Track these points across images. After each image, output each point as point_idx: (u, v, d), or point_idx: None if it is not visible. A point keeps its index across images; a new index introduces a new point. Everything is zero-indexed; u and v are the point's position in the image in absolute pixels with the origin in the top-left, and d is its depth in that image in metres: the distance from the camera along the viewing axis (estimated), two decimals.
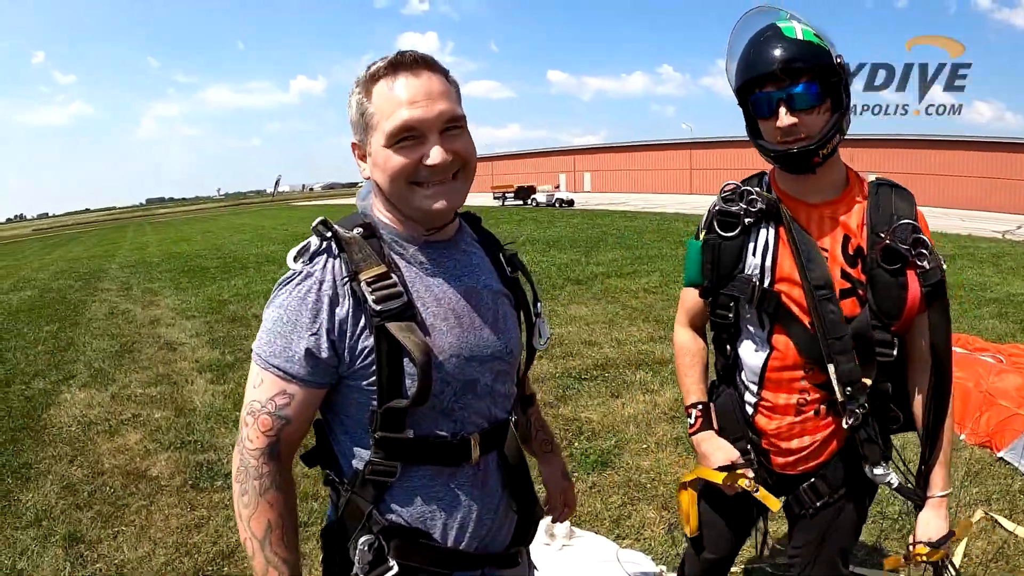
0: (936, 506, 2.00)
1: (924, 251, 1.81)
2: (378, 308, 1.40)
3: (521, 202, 54.31)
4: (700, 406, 2.18)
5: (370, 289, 1.40)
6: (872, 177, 2.01)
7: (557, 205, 48.26)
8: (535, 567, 1.95)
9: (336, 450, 1.59)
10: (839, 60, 1.80)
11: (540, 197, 51.55)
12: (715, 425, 2.17)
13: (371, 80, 1.46)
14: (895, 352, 1.89)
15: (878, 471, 1.99)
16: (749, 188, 2.01)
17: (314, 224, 1.50)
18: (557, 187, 60.08)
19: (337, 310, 1.43)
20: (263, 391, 1.45)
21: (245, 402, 1.48)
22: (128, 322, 11.91)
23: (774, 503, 2.06)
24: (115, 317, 12.56)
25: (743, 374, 2.14)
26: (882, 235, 1.84)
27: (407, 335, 1.40)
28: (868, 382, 1.90)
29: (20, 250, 47.04)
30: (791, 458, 2.10)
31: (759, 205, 1.97)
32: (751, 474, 2.07)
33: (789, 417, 2.05)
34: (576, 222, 29.60)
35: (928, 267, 1.82)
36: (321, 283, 1.44)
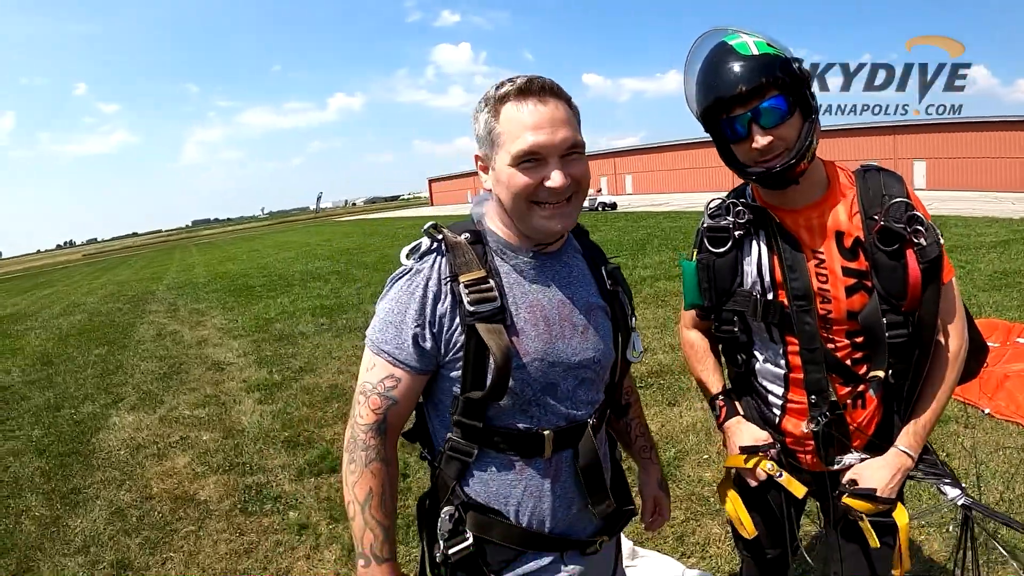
0: (889, 457, 1.96)
1: (920, 228, 1.79)
2: (471, 309, 1.57)
3: None
4: (722, 396, 2.19)
5: (467, 291, 1.58)
6: (857, 166, 1.99)
7: (600, 209, 48.19)
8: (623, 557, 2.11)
9: (429, 430, 1.79)
10: (798, 65, 1.76)
11: None
12: (741, 411, 2.18)
13: (500, 101, 1.59)
14: (908, 331, 1.85)
15: (835, 466, 2.03)
16: (735, 201, 2.01)
17: (425, 227, 1.68)
18: (599, 191, 60.08)
19: (439, 305, 1.61)
20: (375, 374, 1.66)
21: (359, 383, 1.70)
22: (176, 343, 12.10)
23: (799, 489, 2.05)
24: (163, 339, 12.78)
25: (762, 380, 2.14)
26: (876, 217, 1.83)
27: (493, 337, 1.56)
28: (880, 374, 1.89)
29: (70, 275, 48.34)
30: (813, 456, 2.11)
31: (747, 216, 1.98)
32: (772, 454, 2.08)
33: None
34: (620, 225, 29.36)
35: (925, 244, 1.79)
36: (428, 280, 1.62)
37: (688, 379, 6.81)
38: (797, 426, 2.06)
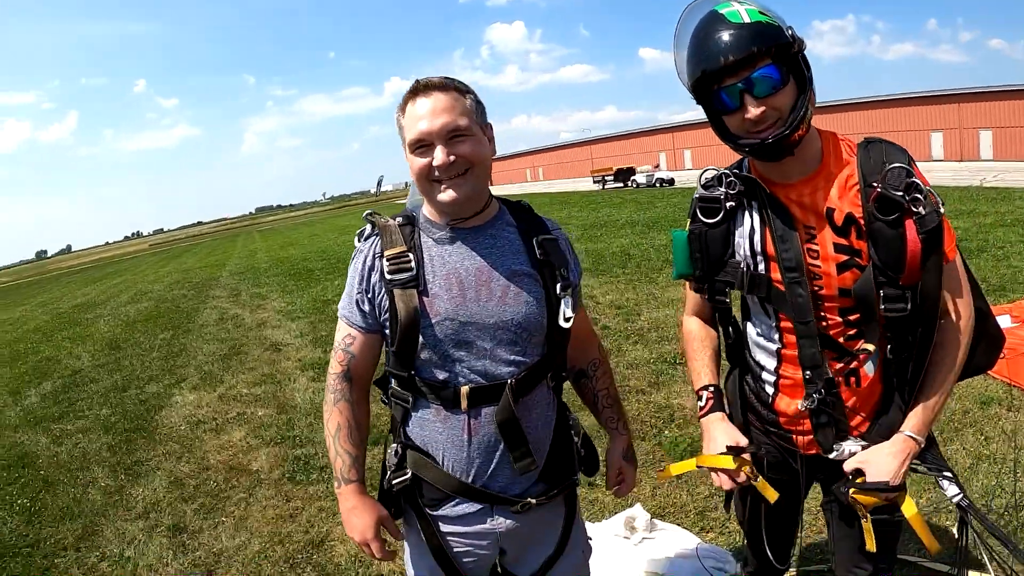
0: (894, 444, 1.87)
1: (919, 196, 1.70)
2: (389, 278, 1.89)
3: (621, 184, 53.85)
4: (711, 388, 2.16)
5: (388, 263, 1.90)
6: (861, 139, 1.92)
7: (657, 185, 47.67)
8: (578, 531, 2.25)
9: (387, 378, 2.08)
10: (791, 32, 1.71)
11: (640, 178, 51.20)
12: (726, 409, 2.18)
13: (402, 105, 1.89)
14: (908, 306, 1.77)
15: (832, 454, 1.97)
16: (728, 171, 1.98)
17: (365, 215, 2.05)
18: (657, 167, 59.31)
19: (372, 276, 1.94)
20: (339, 334, 2.04)
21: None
22: (237, 326, 12.64)
23: (771, 494, 2.03)
24: (225, 322, 13.35)
25: (756, 354, 2.13)
26: (874, 184, 1.75)
27: (403, 299, 1.87)
28: (871, 347, 1.86)
29: (137, 265, 50.00)
30: (810, 437, 2.07)
31: (738, 187, 1.95)
32: (747, 457, 2.04)
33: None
34: (676, 201, 28.96)
35: (924, 212, 1.69)
36: (365, 257, 1.96)
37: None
38: (790, 404, 2.04)
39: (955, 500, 1.90)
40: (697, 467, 2.17)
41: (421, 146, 1.84)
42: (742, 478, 2.01)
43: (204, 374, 9.07)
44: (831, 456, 1.98)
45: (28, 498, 5.66)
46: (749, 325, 2.13)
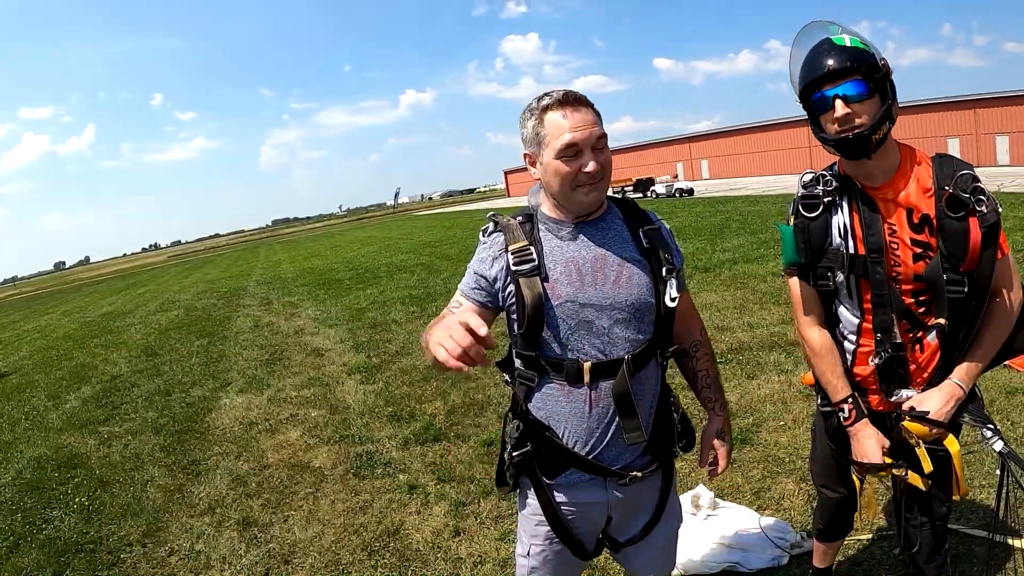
0: (941, 388, 2.25)
1: (983, 197, 2.10)
2: (514, 268, 2.10)
3: (640, 194, 54.09)
4: (851, 399, 2.41)
5: (513, 256, 2.11)
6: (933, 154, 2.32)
7: (677, 195, 47.79)
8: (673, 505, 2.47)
9: (512, 361, 2.29)
10: (883, 61, 2.12)
11: (659, 188, 51.39)
12: (866, 413, 2.41)
13: (543, 110, 2.07)
14: (965, 289, 2.17)
15: (893, 397, 2.34)
16: (824, 172, 2.37)
17: (489, 215, 2.29)
18: (675, 177, 59.47)
19: (495, 265, 2.15)
20: (453, 301, 2.24)
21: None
22: (274, 333, 12.78)
23: (918, 481, 2.30)
24: (260, 329, 13.51)
25: (843, 329, 2.45)
26: (947, 188, 2.14)
27: (527, 286, 2.08)
28: (943, 321, 2.23)
29: (159, 276, 50.52)
30: (879, 398, 2.42)
31: (834, 184, 2.32)
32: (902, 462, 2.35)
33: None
34: (698, 211, 29.19)
35: (986, 211, 2.09)
36: (491, 250, 2.18)
37: (766, 355, 7.05)
38: (864, 369, 2.41)
39: (996, 448, 2.27)
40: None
41: (573, 152, 2.02)
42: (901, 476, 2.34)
43: (249, 378, 9.20)
44: (891, 399, 2.34)
45: (85, 497, 5.78)
46: (841, 307, 2.44)
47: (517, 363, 2.24)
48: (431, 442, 5.82)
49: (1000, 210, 2.12)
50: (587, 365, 2.10)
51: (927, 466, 2.24)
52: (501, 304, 2.19)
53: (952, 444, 2.24)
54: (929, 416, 2.20)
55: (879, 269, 2.24)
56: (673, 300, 2.17)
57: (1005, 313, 2.26)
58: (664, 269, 2.18)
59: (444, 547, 4.08)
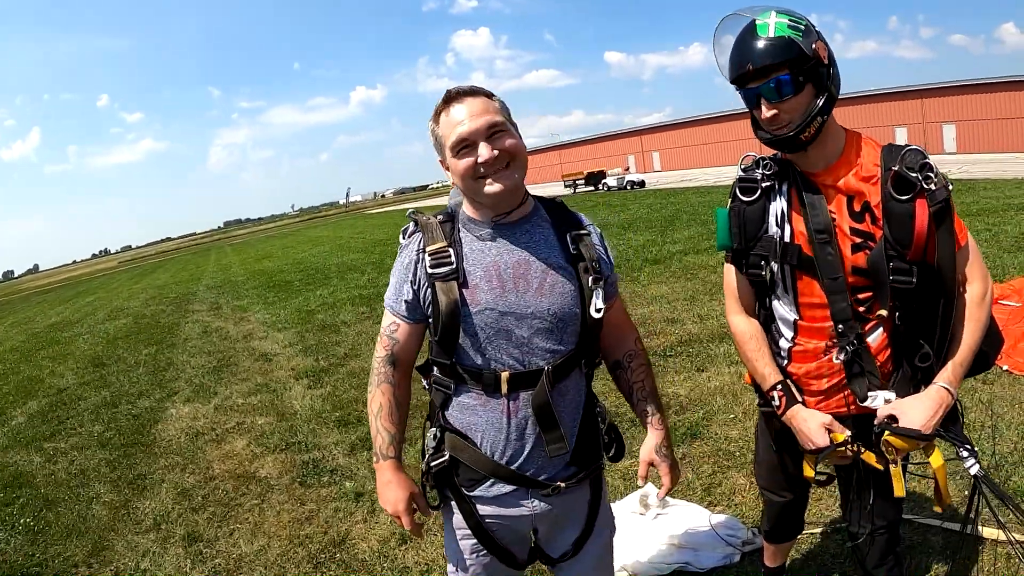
0: (928, 394, 2.06)
1: (930, 174, 1.95)
2: (431, 271, 2.02)
3: (592, 188, 54.50)
4: (779, 385, 2.30)
5: (430, 258, 2.03)
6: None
7: (628, 187, 48.28)
8: (607, 517, 2.41)
9: (430, 364, 2.21)
10: (814, 46, 1.95)
11: (611, 181, 52.02)
12: (799, 398, 2.29)
13: (436, 114, 2.02)
14: (914, 280, 2.01)
15: (867, 401, 2.16)
16: (764, 156, 2.27)
17: (408, 213, 2.19)
18: (627, 169, 60.16)
19: (418, 269, 2.07)
20: (385, 322, 2.19)
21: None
22: (222, 339, 12.57)
23: (872, 459, 2.15)
24: (209, 335, 13.28)
25: (778, 325, 2.34)
26: (893, 167, 2.00)
27: (443, 291, 2.00)
28: (884, 313, 2.10)
29: (109, 283, 49.46)
30: (818, 399, 2.29)
31: (773, 168, 2.22)
32: (847, 433, 2.19)
33: (818, 360, 2.25)
34: (649, 203, 29.61)
35: (934, 188, 1.94)
36: (411, 252, 2.09)
37: (716, 346, 7.11)
38: (800, 368, 2.29)
39: (972, 471, 2.12)
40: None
41: (464, 147, 1.95)
42: (849, 455, 2.19)
43: (196, 387, 9.02)
44: (865, 404, 2.16)
45: (30, 517, 5.59)
46: (775, 302, 2.32)
47: (434, 370, 2.18)
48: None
49: (951, 188, 1.97)
50: (505, 375, 2.03)
51: (899, 490, 2.11)
52: (424, 311, 2.11)
53: (936, 459, 2.05)
54: (916, 430, 1.99)
55: (830, 251, 2.08)
56: (599, 311, 2.08)
57: (976, 304, 2.08)
58: (591, 278, 2.08)
59: (391, 556, 4.03)
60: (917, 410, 2.02)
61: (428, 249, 2.04)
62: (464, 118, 1.94)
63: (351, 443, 5.95)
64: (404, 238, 2.15)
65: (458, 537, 2.25)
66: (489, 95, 2.03)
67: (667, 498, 3.93)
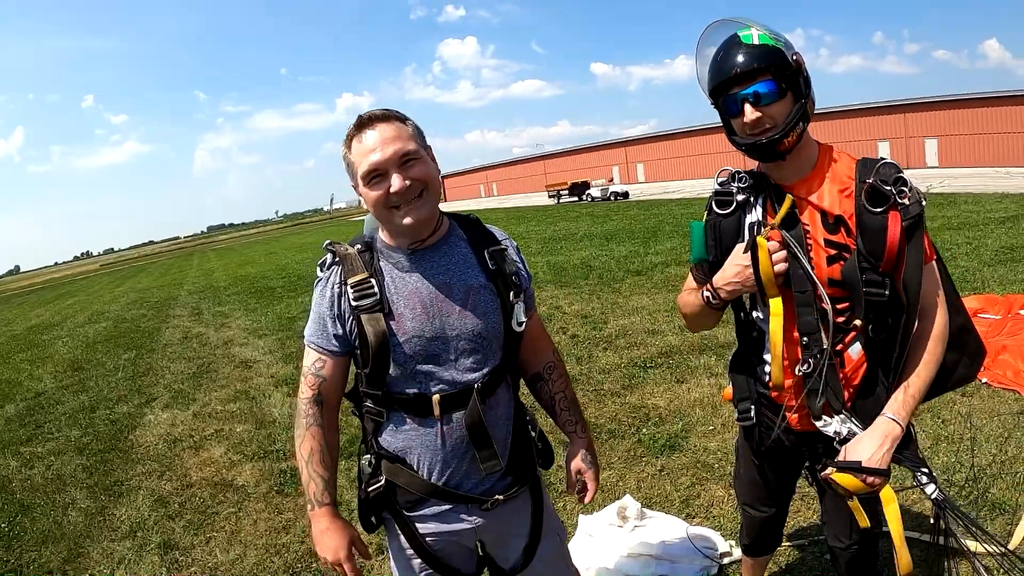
0: (876, 427, 2.00)
1: (905, 189, 1.94)
2: (355, 304, 1.99)
3: (576, 198, 54.55)
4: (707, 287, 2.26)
5: (353, 290, 1.99)
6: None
7: (612, 198, 48.40)
8: (554, 526, 2.40)
9: (360, 394, 2.16)
10: (795, 57, 2.00)
11: (595, 192, 51.94)
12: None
13: (348, 140, 1.98)
14: (887, 292, 2.00)
15: (819, 423, 2.12)
16: (740, 170, 2.25)
17: (324, 244, 2.11)
18: (611, 180, 60.18)
19: (341, 302, 2.03)
20: (308, 359, 2.12)
21: (302, 368, 2.14)
22: (202, 345, 12.49)
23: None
24: (189, 341, 13.18)
25: (763, 338, 2.30)
26: (867, 180, 1.99)
27: (370, 324, 1.97)
28: (859, 323, 2.07)
29: (90, 285, 49.07)
30: (797, 415, 2.24)
31: (748, 181, 2.21)
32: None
33: (794, 376, 2.18)
34: (632, 214, 29.68)
35: (908, 203, 1.94)
36: (332, 285, 2.04)
37: (696, 358, 7.14)
38: (787, 381, 2.19)
39: (932, 496, 2.08)
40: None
41: (375, 176, 1.92)
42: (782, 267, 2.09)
43: (175, 393, 8.96)
44: (817, 424, 2.13)
45: (5, 522, 5.53)
46: (754, 312, 2.32)
47: (365, 400, 2.14)
48: (355, 456, 5.66)
49: (924, 203, 1.97)
50: (436, 398, 2.03)
51: (863, 521, 2.06)
52: (352, 344, 2.07)
53: (889, 499, 1.97)
54: (862, 464, 1.93)
55: (799, 263, 2.06)
56: (520, 324, 2.13)
57: (937, 340, 2.04)
58: (512, 292, 2.11)
59: (367, 565, 4.00)
60: (862, 444, 1.98)
61: (350, 281, 2.01)
62: (376, 146, 1.92)
63: None
64: (322, 271, 2.10)
65: (405, 557, 2.24)
66: (402, 119, 2.01)
67: (645, 510, 3.98)
